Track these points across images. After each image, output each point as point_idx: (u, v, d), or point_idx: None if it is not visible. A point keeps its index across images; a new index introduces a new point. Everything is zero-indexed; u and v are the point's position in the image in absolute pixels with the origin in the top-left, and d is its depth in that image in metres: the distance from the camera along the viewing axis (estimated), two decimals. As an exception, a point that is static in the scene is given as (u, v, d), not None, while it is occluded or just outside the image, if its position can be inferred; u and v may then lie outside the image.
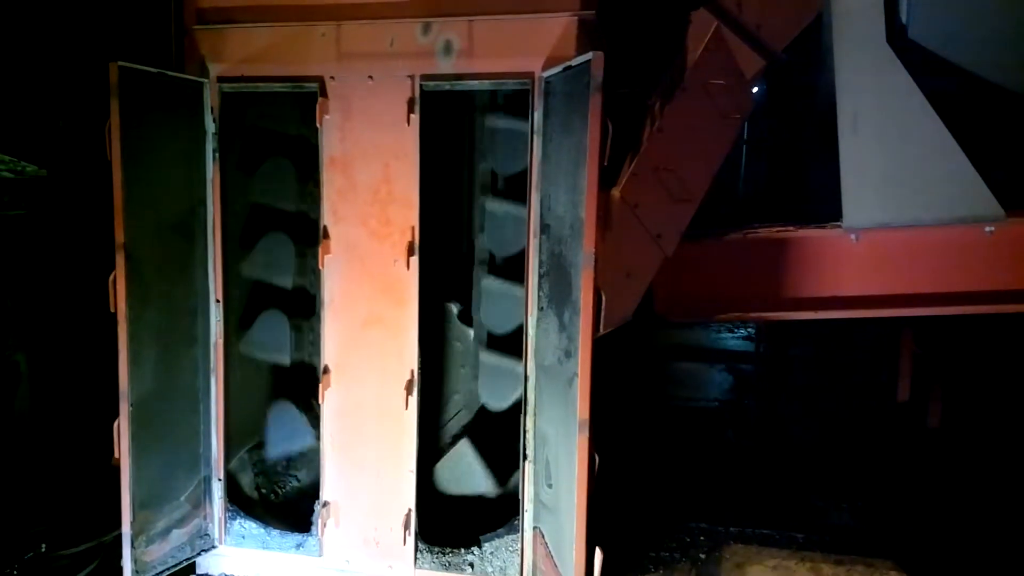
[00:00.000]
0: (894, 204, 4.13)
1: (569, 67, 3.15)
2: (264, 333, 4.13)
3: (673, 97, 3.81)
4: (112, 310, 3.43)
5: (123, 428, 3.48)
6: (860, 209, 4.12)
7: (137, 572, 3.55)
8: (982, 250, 4.06)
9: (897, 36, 4.27)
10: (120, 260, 3.40)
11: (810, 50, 5.02)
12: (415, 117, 3.54)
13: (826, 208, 4.46)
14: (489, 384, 3.96)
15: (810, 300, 4.20)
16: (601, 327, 3.08)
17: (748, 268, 4.19)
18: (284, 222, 4.16)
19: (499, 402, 3.92)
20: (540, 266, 3.47)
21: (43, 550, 4.11)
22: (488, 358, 3.93)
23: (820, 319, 5.79)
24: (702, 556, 4.21)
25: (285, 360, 4.21)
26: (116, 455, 3.50)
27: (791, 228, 4.18)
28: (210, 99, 3.72)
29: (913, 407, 6.27)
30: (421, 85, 3.52)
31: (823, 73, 5.54)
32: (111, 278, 3.41)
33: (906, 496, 5.04)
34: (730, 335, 9.53)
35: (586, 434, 3.04)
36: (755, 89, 4.27)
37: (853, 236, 4.12)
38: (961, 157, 3.97)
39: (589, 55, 2.95)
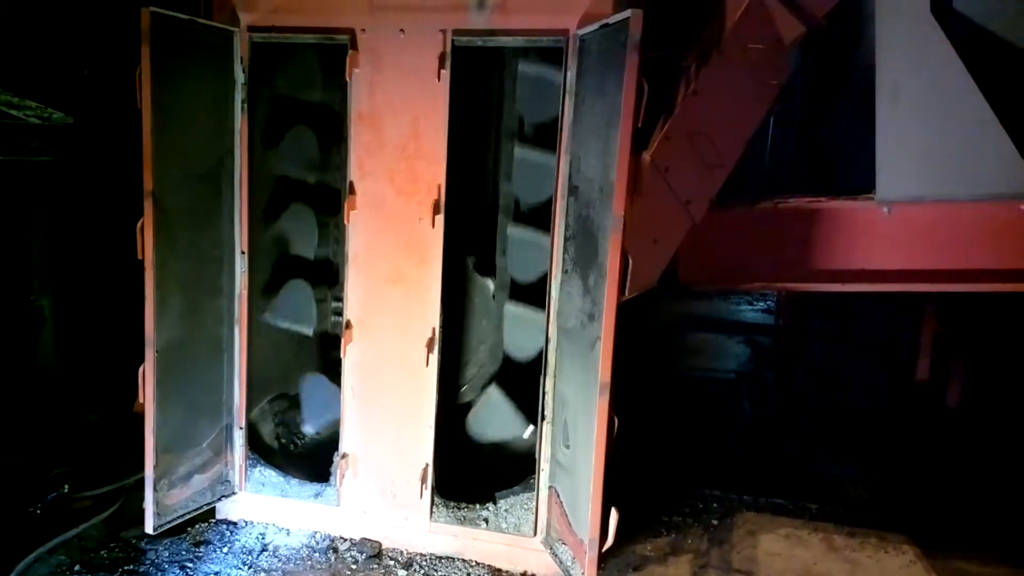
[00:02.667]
0: (929, 177, 4.05)
1: (606, 25, 3.09)
2: (289, 304, 4.16)
3: (710, 60, 3.74)
4: (140, 257, 3.45)
5: (148, 374, 3.52)
6: (894, 181, 4.04)
7: (158, 514, 3.62)
8: (1016, 228, 3.98)
9: (941, 6, 4.15)
10: (148, 207, 3.41)
11: (846, 18, 4.91)
12: (445, 73, 3.49)
13: (856, 180, 4.39)
14: (513, 334, 3.95)
15: (838, 272, 4.15)
16: (626, 292, 3.07)
17: (777, 238, 4.14)
18: (308, 192, 4.16)
19: (522, 351, 3.92)
20: (566, 228, 3.44)
21: (65, 491, 4.20)
22: (513, 308, 3.91)
23: (843, 293, 5.77)
24: (714, 522, 4.24)
25: (309, 331, 4.24)
26: (140, 400, 3.55)
27: (822, 199, 4.12)
28: (240, 49, 3.69)
29: (932, 386, 6.25)
30: (453, 40, 3.47)
31: (861, 42, 5.44)
32: (139, 225, 3.42)
33: (922, 473, 5.03)
34: (749, 307, 9.50)
35: (607, 397, 3.04)
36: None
37: (885, 209, 4.05)
38: (1001, 133, 3.88)
39: (627, 13, 2.90)
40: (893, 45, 4.09)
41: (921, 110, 4.04)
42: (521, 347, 3.93)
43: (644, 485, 4.59)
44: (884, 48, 4.11)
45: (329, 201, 4.13)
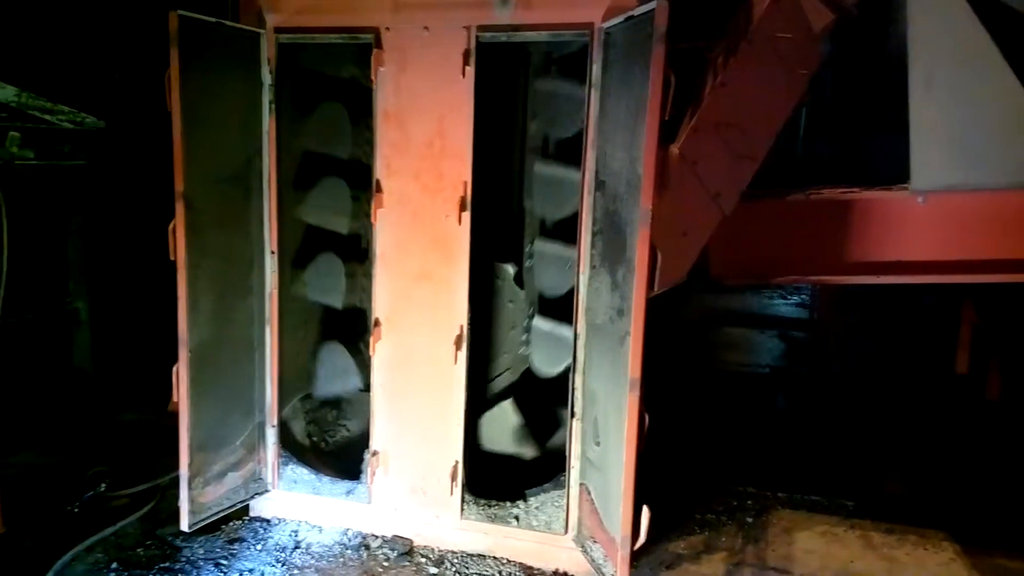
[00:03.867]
0: (965, 166, 3.96)
1: (631, 17, 3.06)
2: (319, 276, 4.17)
3: (738, 50, 3.69)
4: (172, 258, 3.49)
5: (182, 373, 3.57)
6: (929, 170, 3.96)
7: (193, 512, 3.67)
8: (1055, 218, 3.89)
9: (976, -8, 4.06)
10: (180, 209, 3.45)
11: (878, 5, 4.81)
12: (470, 69, 3.48)
13: (888, 170, 4.31)
14: (541, 349, 3.94)
15: (872, 264, 4.07)
16: (655, 286, 3.03)
17: (810, 230, 4.08)
18: (338, 167, 4.14)
19: (550, 368, 3.90)
20: (593, 224, 3.42)
21: (102, 490, 4.27)
22: (541, 324, 3.90)
23: (878, 286, 5.67)
24: (749, 520, 4.19)
25: (338, 303, 4.23)
26: (174, 399, 3.60)
27: (856, 189, 4.05)
28: (267, 50, 3.72)
29: (971, 379, 6.12)
30: (477, 36, 3.46)
31: (893, 29, 5.32)
32: (171, 227, 3.46)
33: (961, 468, 4.92)
34: (783, 301, 9.35)
35: (637, 392, 3.01)
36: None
37: (920, 198, 3.97)
38: (1039, 120, 3.79)
39: (652, 4, 2.86)
40: (927, 32, 4.01)
41: (956, 97, 3.96)
42: (548, 362, 3.91)
43: (677, 482, 4.54)
44: (917, 35, 4.02)
45: (361, 175, 4.09)
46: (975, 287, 5.66)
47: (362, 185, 4.05)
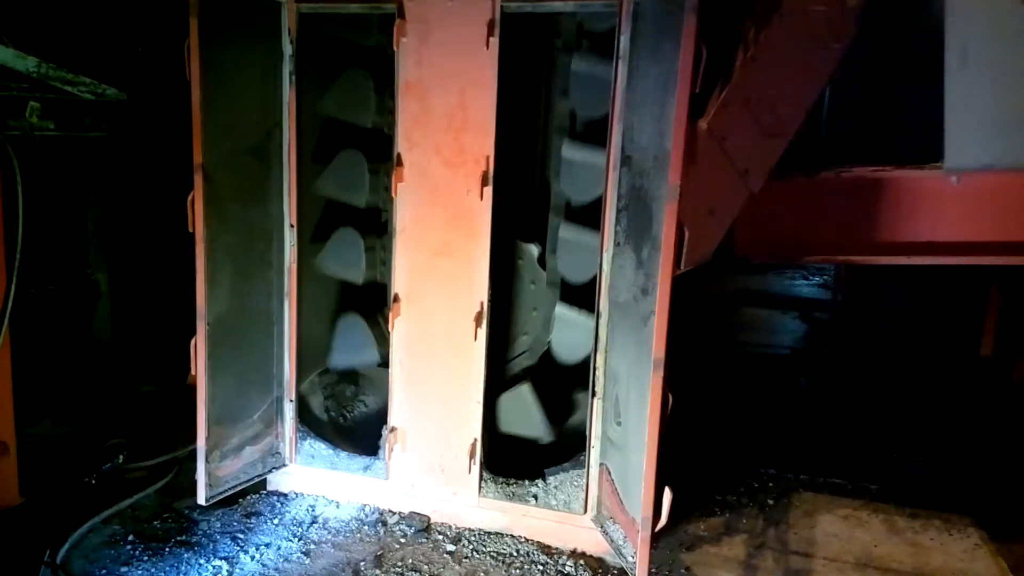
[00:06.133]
0: (1001, 145, 3.85)
1: (662, -13, 2.96)
2: (338, 250, 4.13)
3: (769, 23, 3.57)
4: (190, 231, 3.46)
5: (200, 346, 3.55)
6: (964, 149, 3.84)
7: (210, 486, 3.67)
8: (1093, 198, 3.77)
9: (1015, -37, 3.92)
10: (198, 181, 3.41)
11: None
12: (494, 40, 3.40)
13: (919, 148, 4.20)
14: (561, 337, 3.88)
15: (903, 244, 3.98)
16: (682, 265, 2.97)
17: (839, 209, 3.98)
18: (359, 138, 4.08)
19: (570, 356, 3.85)
20: (619, 200, 3.35)
21: (120, 462, 4.28)
22: (562, 311, 3.82)
23: (902, 266, 5.57)
24: (770, 502, 4.14)
25: (358, 278, 4.20)
26: (192, 372, 3.59)
27: (887, 168, 3.94)
28: (287, 20, 3.65)
29: (996, 362, 6.02)
30: (502, 6, 3.37)
31: (927, 4, 5.18)
32: (189, 199, 3.43)
33: (988, 453, 4.84)
34: (805, 282, 9.26)
35: (661, 372, 2.96)
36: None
37: (954, 178, 3.86)
38: (1080, 98, 3.67)
39: (685, -27, 2.77)
40: (963, 6, 3.88)
41: (992, 74, 3.84)
42: (569, 350, 3.86)
43: (697, 463, 4.50)
44: (954, 9, 3.90)
45: (383, 147, 4.02)
46: (1001, 270, 5.55)
47: (381, 157, 3.99)
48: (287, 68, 3.71)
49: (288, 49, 3.68)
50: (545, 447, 3.94)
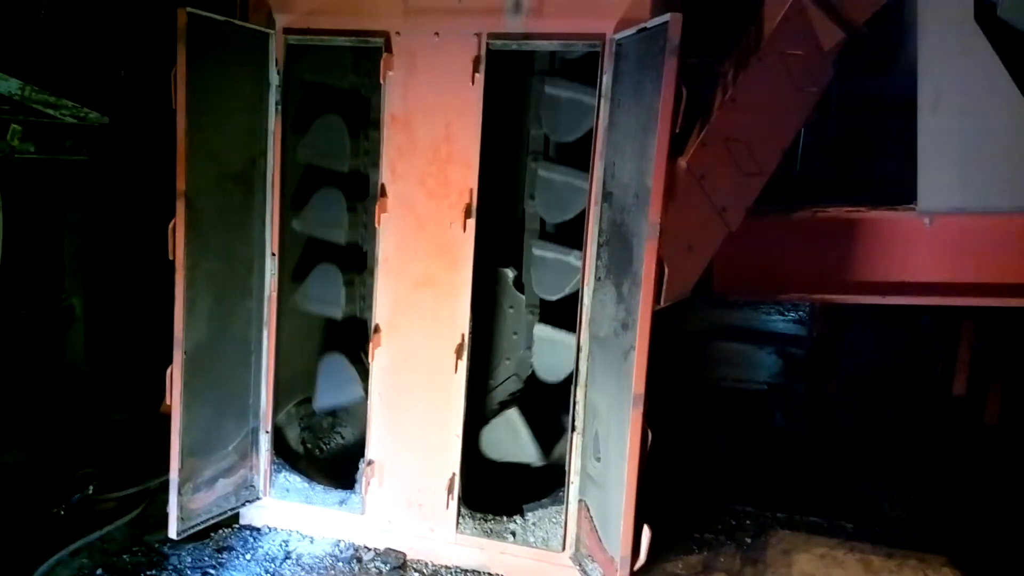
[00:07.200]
0: (972, 189, 3.96)
1: (644, 29, 3.03)
2: (317, 286, 4.12)
3: (748, 66, 3.67)
4: (171, 258, 3.43)
5: (176, 375, 3.50)
6: (936, 192, 3.95)
7: (182, 519, 3.60)
8: (1061, 242, 3.87)
9: (985, 14, 4.05)
10: (180, 208, 3.40)
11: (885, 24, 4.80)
12: (480, 76, 3.45)
13: (891, 190, 4.29)
14: (542, 357, 3.89)
15: (877, 284, 4.05)
16: (662, 300, 3.00)
17: (814, 248, 4.06)
18: (337, 179, 4.11)
19: (552, 375, 3.85)
20: (599, 235, 3.38)
21: (90, 492, 4.18)
22: (542, 331, 3.85)
23: (877, 305, 5.65)
24: (748, 540, 4.13)
25: (337, 314, 4.18)
26: (167, 402, 3.53)
27: (862, 208, 4.03)
28: (275, 51, 3.68)
29: (969, 401, 6.09)
30: (488, 44, 3.42)
31: (901, 50, 5.33)
32: (171, 225, 3.41)
33: (961, 492, 4.88)
34: (780, 317, 9.35)
35: (640, 409, 2.97)
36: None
37: (927, 220, 3.95)
38: (1047, 144, 3.78)
39: (666, 17, 2.84)
40: (935, 52, 4.01)
41: (964, 119, 3.96)
42: (550, 369, 3.86)
43: (674, 499, 4.48)
44: (926, 55, 4.02)
45: (359, 186, 4.09)
46: (974, 309, 5.64)
47: (360, 195, 4.02)
48: (273, 97, 3.72)
49: (275, 79, 3.70)
50: (524, 480, 3.91)
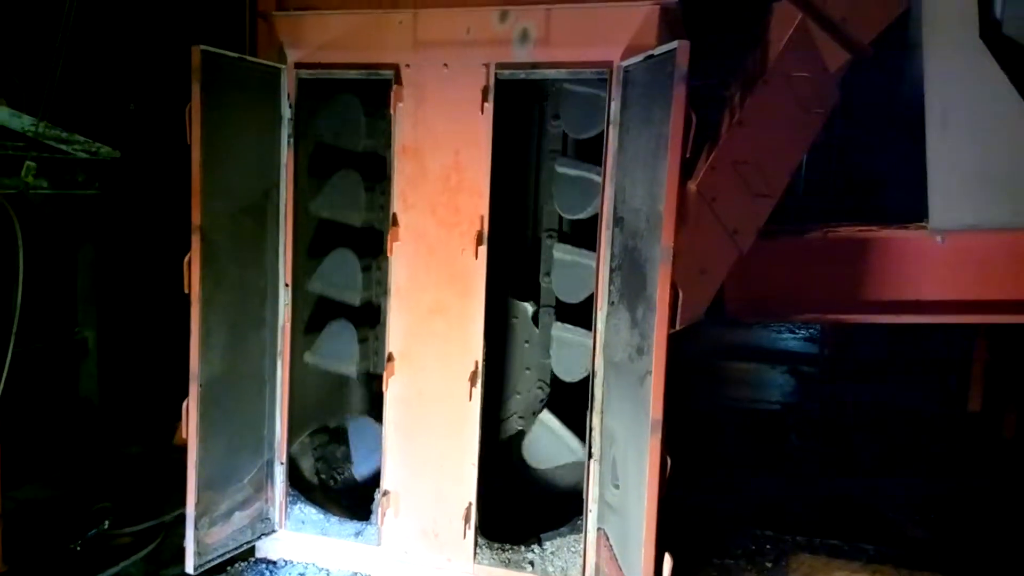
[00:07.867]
0: (983, 206, 3.96)
1: (651, 56, 3.05)
2: (332, 344, 4.06)
3: (754, 89, 3.70)
4: (186, 291, 3.45)
5: (192, 409, 3.50)
6: (947, 210, 3.95)
7: (199, 554, 3.57)
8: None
9: (991, 31, 4.08)
10: (196, 242, 3.42)
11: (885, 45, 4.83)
12: (488, 106, 3.48)
13: (898, 208, 4.30)
14: (560, 357, 3.87)
15: (890, 303, 4.05)
16: (676, 324, 2.99)
17: (827, 268, 4.06)
18: (351, 234, 4.09)
19: (572, 375, 3.83)
20: (612, 260, 3.39)
21: (106, 527, 4.17)
22: (559, 332, 3.84)
23: (891, 323, 5.63)
24: (768, 565, 4.09)
25: (352, 372, 4.12)
26: (183, 436, 3.53)
27: (873, 227, 4.03)
28: (287, 85, 3.72)
29: (985, 417, 6.05)
30: (496, 73, 3.46)
31: (907, 68, 5.35)
32: (186, 259, 3.42)
33: (982, 510, 4.82)
34: (791, 336, 9.32)
35: (659, 434, 2.94)
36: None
37: (939, 238, 3.95)
38: (1057, 159, 3.79)
39: (674, 44, 2.85)
40: (942, 71, 4.03)
41: (972, 137, 3.97)
42: (568, 369, 3.85)
43: (693, 524, 4.45)
44: (932, 74, 4.04)
45: (374, 243, 4.09)
46: (988, 325, 5.61)
47: (374, 252, 4.07)
48: (285, 131, 3.76)
49: (287, 112, 3.74)
50: (542, 507, 3.88)
